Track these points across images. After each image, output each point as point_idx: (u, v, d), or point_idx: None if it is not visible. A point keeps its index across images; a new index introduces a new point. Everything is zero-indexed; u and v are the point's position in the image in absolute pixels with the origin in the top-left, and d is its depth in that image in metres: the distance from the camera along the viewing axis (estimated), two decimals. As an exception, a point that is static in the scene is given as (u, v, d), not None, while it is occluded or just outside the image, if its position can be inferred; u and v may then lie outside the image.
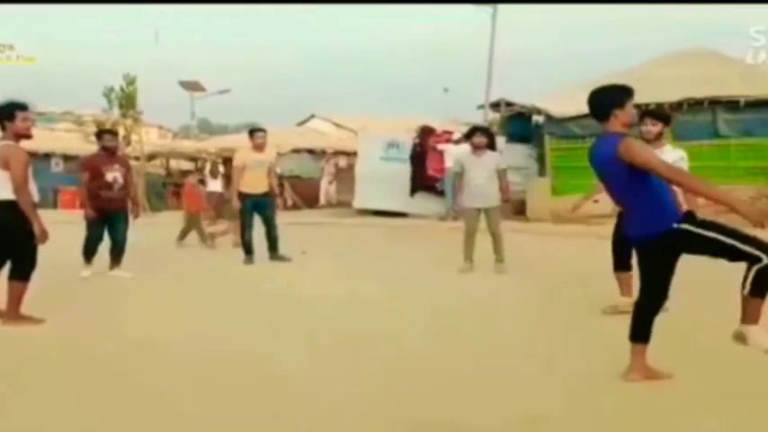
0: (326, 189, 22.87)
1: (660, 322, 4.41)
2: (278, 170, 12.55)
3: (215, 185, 15.42)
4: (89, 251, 8.37)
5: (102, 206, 8.22)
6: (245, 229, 9.83)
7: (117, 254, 8.44)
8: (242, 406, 4.06)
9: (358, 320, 6.22)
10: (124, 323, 6.03)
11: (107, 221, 8.31)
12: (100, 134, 8.89)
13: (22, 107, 5.85)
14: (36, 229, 5.66)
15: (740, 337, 4.21)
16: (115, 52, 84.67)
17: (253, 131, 9.95)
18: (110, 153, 8.44)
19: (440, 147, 17.94)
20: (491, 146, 9.47)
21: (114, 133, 9.11)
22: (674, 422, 3.82)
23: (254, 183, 9.65)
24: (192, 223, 11.95)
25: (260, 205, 9.77)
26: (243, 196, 9.70)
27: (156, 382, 4.41)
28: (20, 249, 5.73)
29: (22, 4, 39.01)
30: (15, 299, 5.75)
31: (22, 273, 5.74)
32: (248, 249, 9.80)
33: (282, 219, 15.99)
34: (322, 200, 22.63)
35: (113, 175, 8.17)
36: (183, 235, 11.93)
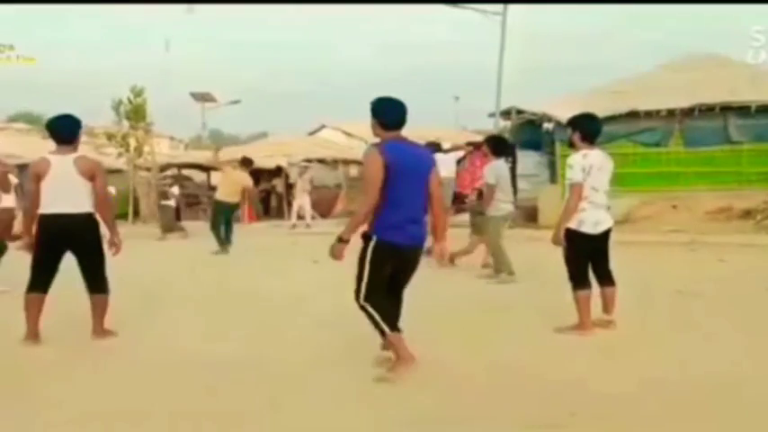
0: (302, 205, 19.47)
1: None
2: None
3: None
4: None
5: None
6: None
7: None
8: (238, 403, 4.14)
9: (359, 323, 6.23)
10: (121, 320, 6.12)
11: None
12: None
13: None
14: (116, 241, 5.81)
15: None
16: (126, 62, 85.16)
17: None
18: None
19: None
20: (497, 154, 9.32)
21: None
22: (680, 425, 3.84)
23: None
24: None
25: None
26: None
27: (146, 379, 4.47)
28: (101, 262, 5.77)
29: (30, 4, 39.48)
30: (103, 312, 5.75)
31: (104, 285, 5.76)
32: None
33: (295, 229, 16.12)
34: (293, 219, 19.44)
35: None
36: None
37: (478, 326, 6.39)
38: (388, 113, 4.60)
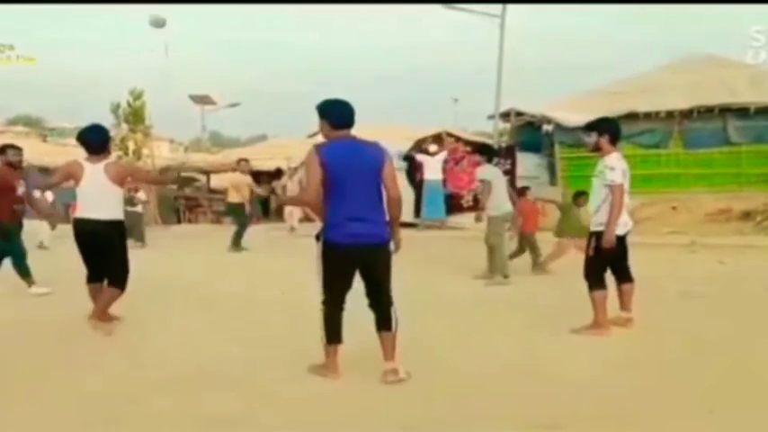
0: (292, 210, 17.95)
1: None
2: None
3: None
4: (26, 267, 8.04)
5: (16, 220, 8.06)
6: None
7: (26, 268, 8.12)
8: (237, 405, 4.15)
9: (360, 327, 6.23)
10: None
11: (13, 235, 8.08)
12: (3, 149, 8.14)
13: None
14: (171, 177, 6.61)
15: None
16: (126, 65, 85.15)
17: None
18: (14, 168, 8.14)
19: (418, 158, 17.61)
20: (489, 160, 9.73)
21: (19, 148, 8.37)
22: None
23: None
24: (526, 243, 10.11)
25: None
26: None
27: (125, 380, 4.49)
28: (123, 265, 6.19)
29: (30, 4, 39.38)
30: (108, 302, 6.17)
31: (121, 284, 6.16)
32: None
33: (294, 232, 16.15)
34: (294, 222, 17.74)
35: (21, 189, 8.05)
36: (514, 255, 9.96)
37: (478, 327, 6.40)
38: (335, 114, 4.64)
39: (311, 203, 4.57)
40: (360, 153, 4.60)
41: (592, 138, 6.06)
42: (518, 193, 10.64)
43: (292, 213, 17.87)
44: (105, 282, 6.20)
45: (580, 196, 10.09)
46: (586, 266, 6.02)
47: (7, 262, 8.03)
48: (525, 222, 10.09)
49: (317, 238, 4.62)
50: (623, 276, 6.22)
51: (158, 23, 11.67)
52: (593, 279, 5.93)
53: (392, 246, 4.73)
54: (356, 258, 4.57)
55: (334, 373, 4.66)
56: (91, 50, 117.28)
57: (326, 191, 4.49)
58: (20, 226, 8.19)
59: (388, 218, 4.73)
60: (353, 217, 4.49)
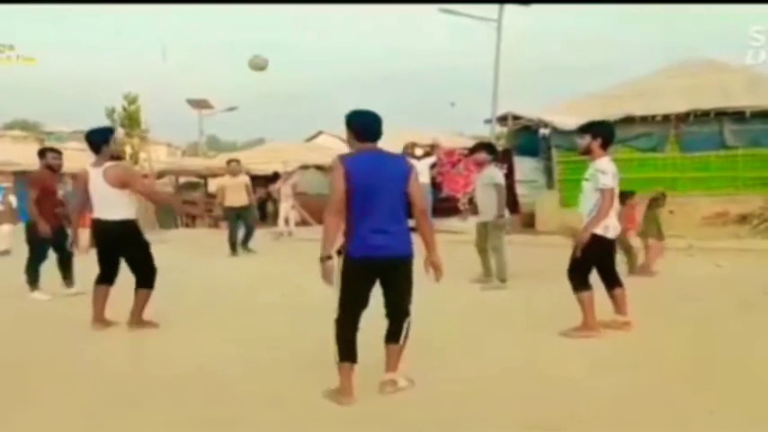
0: (288, 214, 17.75)
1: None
2: None
3: None
4: (37, 273, 8.18)
5: (58, 223, 8.14)
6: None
7: (69, 270, 8.28)
8: (235, 409, 4.15)
9: (363, 331, 6.23)
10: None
11: (54, 239, 8.13)
12: (43, 152, 8.42)
13: (113, 130, 6.99)
14: (176, 206, 6.50)
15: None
16: (125, 67, 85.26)
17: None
18: (54, 171, 8.30)
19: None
20: (494, 160, 9.47)
21: (59, 152, 8.62)
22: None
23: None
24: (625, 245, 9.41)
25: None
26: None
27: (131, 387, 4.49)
28: (142, 261, 6.39)
29: (25, 4, 39.38)
30: (142, 305, 6.35)
31: (148, 281, 6.37)
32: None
33: (292, 236, 16.13)
34: (290, 225, 17.66)
35: (62, 192, 8.29)
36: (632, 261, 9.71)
37: (477, 330, 6.41)
38: (361, 125, 4.52)
39: (338, 214, 4.32)
40: (385, 165, 4.47)
41: (585, 140, 6.01)
42: (625, 196, 10.25)
43: (289, 217, 17.83)
44: (134, 284, 6.35)
45: (659, 197, 10.11)
46: (576, 269, 5.99)
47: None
48: (629, 224, 9.78)
49: (339, 252, 4.43)
50: (612, 281, 6.19)
51: (260, 66, 11.41)
52: (578, 280, 5.94)
53: (432, 269, 4.60)
54: (377, 271, 4.42)
55: (349, 396, 4.35)
56: (90, 52, 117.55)
57: (349, 202, 4.34)
58: (62, 230, 8.08)
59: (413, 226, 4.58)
60: (376, 229, 4.36)
